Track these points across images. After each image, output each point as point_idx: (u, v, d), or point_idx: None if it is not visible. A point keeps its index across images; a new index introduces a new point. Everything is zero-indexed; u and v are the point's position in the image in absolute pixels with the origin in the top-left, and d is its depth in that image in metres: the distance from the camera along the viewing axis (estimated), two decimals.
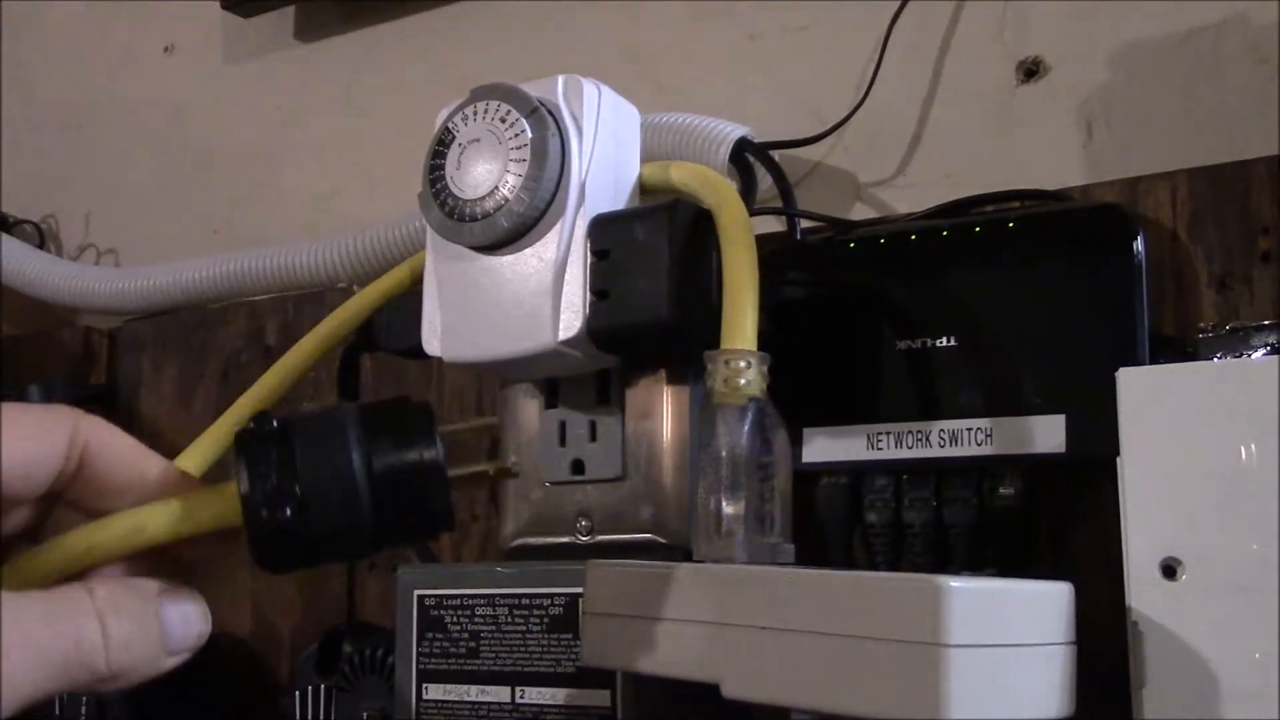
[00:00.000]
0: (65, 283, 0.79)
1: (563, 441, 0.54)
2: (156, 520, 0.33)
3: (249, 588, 0.70)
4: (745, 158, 0.62)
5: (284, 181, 0.86)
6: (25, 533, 0.35)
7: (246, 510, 0.32)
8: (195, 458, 0.51)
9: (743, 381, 0.43)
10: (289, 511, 0.32)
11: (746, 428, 0.43)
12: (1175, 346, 0.50)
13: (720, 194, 0.49)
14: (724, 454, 0.42)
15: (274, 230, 0.85)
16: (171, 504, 0.33)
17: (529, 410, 0.55)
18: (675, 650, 0.38)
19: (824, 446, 0.54)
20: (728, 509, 0.42)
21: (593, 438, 0.53)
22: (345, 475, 0.32)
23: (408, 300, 0.55)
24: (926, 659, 0.31)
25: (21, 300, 0.85)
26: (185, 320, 0.78)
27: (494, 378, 0.61)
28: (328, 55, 0.85)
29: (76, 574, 0.33)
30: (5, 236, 0.84)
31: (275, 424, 0.33)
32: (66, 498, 0.34)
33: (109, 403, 0.79)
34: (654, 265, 0.48)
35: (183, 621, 0.33)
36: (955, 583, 0.31)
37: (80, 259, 0.93)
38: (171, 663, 0.33)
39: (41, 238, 0.94)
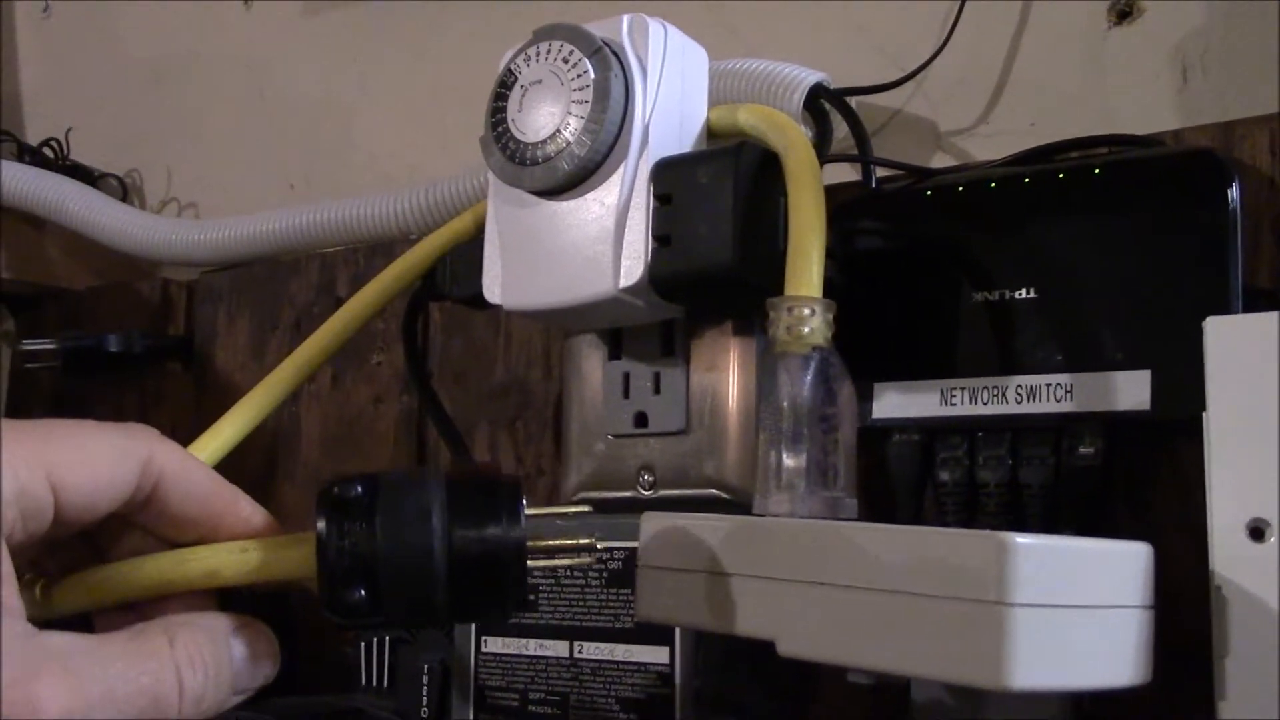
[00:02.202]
0: (144, 235, 0.79)
1: (626, 394, 0.53)
2: (232, 567, 0.33)
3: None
4: (820, 104, 0.59)
5: (360, 134, 0.86)
6: (93, 548, 0.35)
7: (322, 581, 0.32)
8: (255, 405, 0.51)
9: (806, 330, 0.41)
10: (363, 592, 0.31)
11: (809, 377, 0.41)
12: (1271, 299, 0.47)
13: (788, 136, 0.47)
14: (785, 404, 0.41)
15: (350, 183, 0.85)
16: (249, 551, 0.33)
17: (592, 362, 0.54)
18: (730, 606, 0.37)
19: (895, 402, 0.52)
20: (789, 461, 0.40)
21: (656, 390, 0.52)
22: (425, 558, 0.32)
23: (471, 248, 0.54)
24: (990, 619, 0.29)
25: (103, 252, 0.85)
26: (259, 272, 0.78)
27: (559, 328, 0.60)
28: (403, 6, 0.84)
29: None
30: (88, 189, 0.85)
31: (359, 490, 0.32)
32: (136, 521, 0.34)
33: (185, 353, 0.80)
34: (717, 210, 0.47)
35: (253, 663, 0.33)
36: (1021, 539, 0.29)
37: (162, 213, 0.94)
38: (237, 700, 0.33)
39: (125, 191, 0.94)
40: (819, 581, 0.34)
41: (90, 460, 0.32)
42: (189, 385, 0.80)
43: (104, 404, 0.84)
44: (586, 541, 0.34)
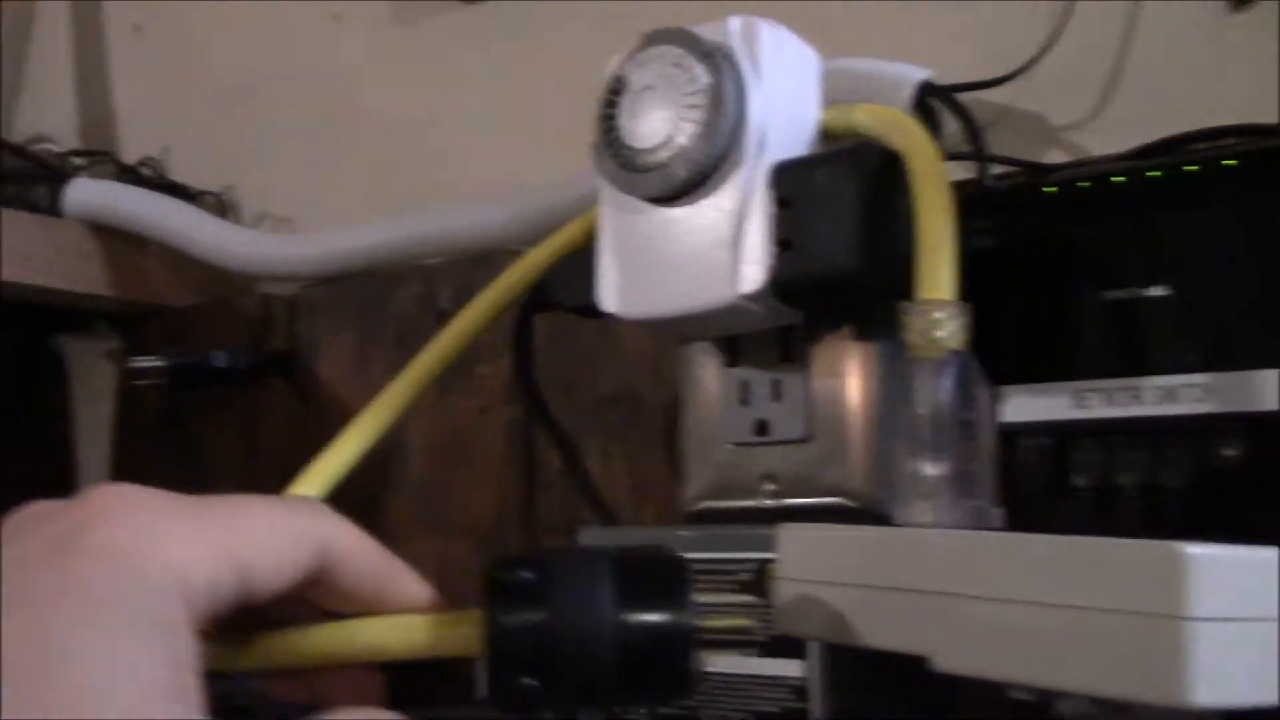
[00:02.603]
0: (246, 250, 0.80)
1: (745, 401, 0.52)
2: (398, 643, 0.34)
3: (430, 549, 0.70)
4: (928, 103, 0.58)
5: (452, 144, 0.86)
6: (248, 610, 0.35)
7: (491, 667, 0.32)
8: (369, 426, 0.51)
9: (941, 334, 0.40)
10: (533, 679, 0.31)
11: (947, 383, 0.40)
12: None
13: (911, 136, 0.46)
14: (924, 411, 0.40)
15: (443, 194, 0.85)
16: (416, 627, 0.34)
17: (709, 369, 0.53)
18: (878, 620, 0.35)
19: (1023, 405, 0.50)
20: (929, 470, 0.39)
21: (776, 397, 0.51)
22: (597, 645, 0.31)
23: (581, 257, 0.54)
24: (1169, 633, 0.28)
25: (203, 269, 0.86)
26: (359, 286, 0.78)
27: (671, 336, 0.59)
28: (492, 16, 0.84)
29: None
30: (189, 207, 0.86)
31: (529, 574, 0.32)
32: (301, 594, 0.34)
33: (288, 368, 0.80)
34: (839, 212, 0.46)
35: None
36: (1201, 549, 0.28)
37: (258, 228, 0.95)
38: None
39: (222, 208, 0.95)
40: (977, 595, 0.33)
41: (273, 546, 0.32)
42: (292, 400, 0.81)
43: (208, 419, 0.84)
44: (747, 624, 0.35)
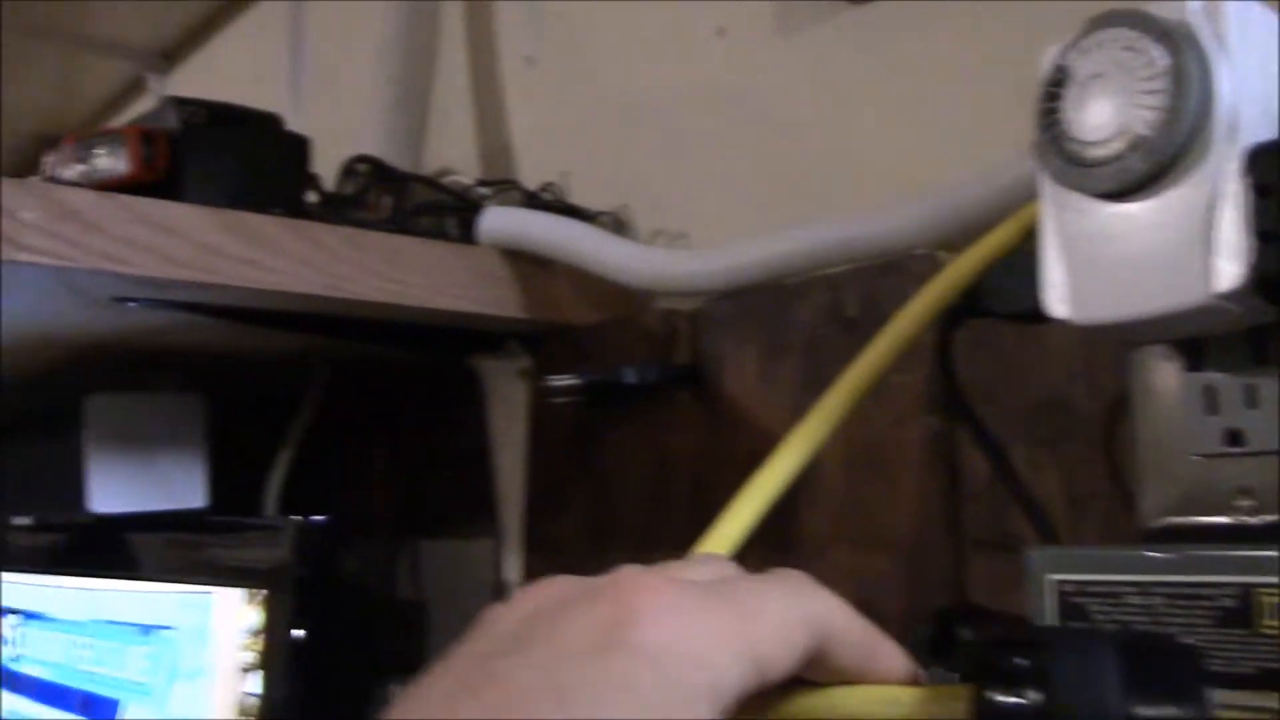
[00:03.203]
0: (648, 267, 0.82)
1: (1212, 409, 0.48)
2: (882, 716, 0.34)
3: (848, 564, 0.68)
4: None
5: (847, 150, 0.84)
6: None
7: None
8: (796, 452, 0.50)
9: None
10: None
11: None
12: None
13: None
14: None
15: (840, 201, 0.84)
16: (899, 701, 0.34)
17: (1165, 374, 0.49)
18: None
19: None
20: None
21: (1251, 403, 0.47)
22: None
23: (1017, 259, 0.51)
24: None
25: (604, 287, 0.89)
26: (761, 298, 0.78)
27: (1114, 340, 0.55)
28: (886, 16, 0.82)
29: None
30: (591, 228, 0.89)
31: (1023, 656, 0.31)
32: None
33: (694, 381, 0.81)
34: None
35: None
36: None
37: (653, 244, 0.97)
38: None
39: (618, 227, 0.98)
40: None
41: (785, 637, 0.33)
42: (699, 412, 0.82)
43: (617, 433, 0.87)
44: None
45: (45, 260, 0.69)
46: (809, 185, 0.87)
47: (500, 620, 0.33)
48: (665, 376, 0.80)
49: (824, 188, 0.86)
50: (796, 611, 0.33)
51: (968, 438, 0.66)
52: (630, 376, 0.80)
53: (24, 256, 0.69)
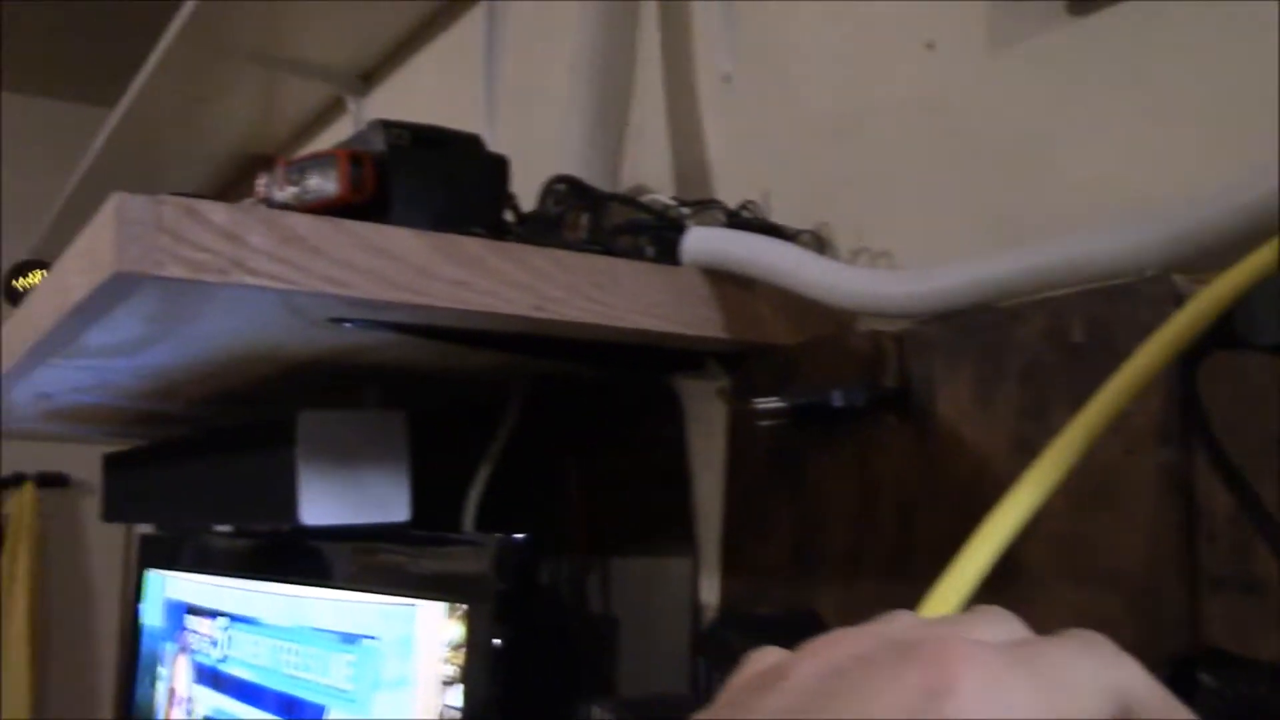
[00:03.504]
0: (858, 288, 0.80)
1: None
2: None
3: (1071, 601, 0.66)
4: None
5: (1063, 166, 0.81)
6: None
7: None
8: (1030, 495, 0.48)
9: None
10: None
11: None
12: None
13: None
14: None
15: (1055, 220, 0.81)
16: None
17: None
18: None
19: None
20: None
21: None
22: None
23: (1276, 285, 0.48)
24: None
25: (805, 307, 0.88)
26: (976, 321, 0.76)
27: None
28: (1107, 25, 0.79)
29: None
30: (795, 248, 0.88)
31: None
32: None
33: (902, 405, 0.79)
34: None
35: None
36: None
37: (855, 263, 0.95)
38: None
39: (819, 245, 0.97)
40: None
41: (1090, 706, 0.31)
42: (908, 436, 0.79)
43: (821, 455, 0.85)
44: None
45: (272, 284, 0.72)
46: (1019, 205, 0.84)
47: (792, 674, 0.32)
48: (873, 399, 0.79)
49: (1035, 208, 0.83)
50: (1105, 679, 0.32)
51: (1204, 471, 0.62)
52: (838, 399, 0.78)
53: (251, 280, 0.71)
